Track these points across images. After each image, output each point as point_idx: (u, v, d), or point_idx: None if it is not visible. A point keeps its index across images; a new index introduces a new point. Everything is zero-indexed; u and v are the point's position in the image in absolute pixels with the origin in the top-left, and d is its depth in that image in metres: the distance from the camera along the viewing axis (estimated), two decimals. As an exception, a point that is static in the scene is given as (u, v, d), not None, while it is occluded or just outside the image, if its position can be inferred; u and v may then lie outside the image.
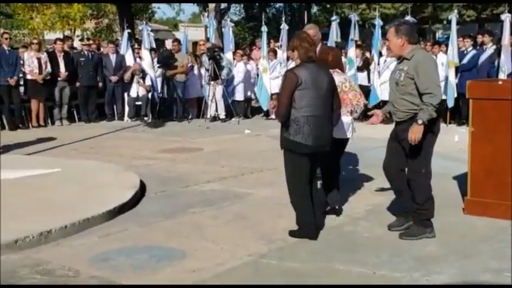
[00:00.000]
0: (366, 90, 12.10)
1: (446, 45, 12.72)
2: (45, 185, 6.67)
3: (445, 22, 26.50)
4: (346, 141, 5.89)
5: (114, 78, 13.59)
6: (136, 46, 15.10)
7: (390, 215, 5.70)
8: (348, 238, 5.17)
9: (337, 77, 5.53)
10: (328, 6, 27.90)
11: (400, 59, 5.11)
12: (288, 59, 13.68)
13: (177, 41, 15.10)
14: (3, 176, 6.87)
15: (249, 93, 14.69)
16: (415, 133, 4.82)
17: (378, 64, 13.07)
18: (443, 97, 10.07)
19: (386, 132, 5.50)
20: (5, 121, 12.23)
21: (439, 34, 30.74)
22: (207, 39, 17.40)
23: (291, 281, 4.19)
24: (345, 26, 15.78)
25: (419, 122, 4.80)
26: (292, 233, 5.18)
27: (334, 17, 14.39)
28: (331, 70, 5.40)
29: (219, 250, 4.84)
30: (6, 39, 12.38)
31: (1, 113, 12.36)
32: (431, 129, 4.92)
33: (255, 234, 5.26)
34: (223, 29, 17.35)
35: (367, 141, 9.08)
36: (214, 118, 13.75)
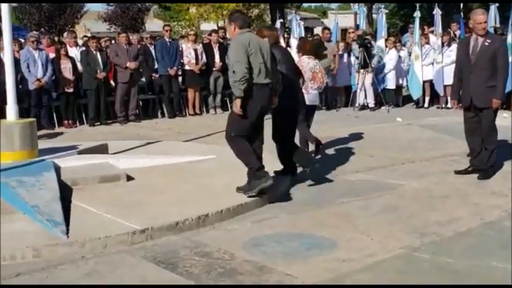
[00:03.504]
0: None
1: None
2: (201, 171, 7.03)
3: None
4: (315, 107, 8.09)
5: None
6: (286, 35, 15.32)
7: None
8: (508, 234, 4.91)
9: (312, 61, 7.74)
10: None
11: None
12: (443, 45, 13.18)
13: (327, 29, 15.10)
14: (164, 161, 7.35)
15: (400, 81, 14.34)
16: None
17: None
18: None
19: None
20: (164, 109, 13.03)
21: None
22: (357, 26, 17.21)
23: (443, 277, 4.08)
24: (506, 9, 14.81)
25: None
26: None
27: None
28: (307, 56, 7.77)
29: (369, 241, 4.83)
30: (167, 31, 13.17)
31: (161, 102, 13.18)
32: None
33: (406, 227, 5.17)
34: (374, 16, 17.05)
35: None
36: (363, 107, 13.60)
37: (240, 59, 5.71)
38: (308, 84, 7.65)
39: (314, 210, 5.75)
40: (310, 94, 7.72)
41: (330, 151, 8.73)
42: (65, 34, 14.57)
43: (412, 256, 4.49)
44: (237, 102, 5.75)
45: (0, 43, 10.08)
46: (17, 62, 9.55)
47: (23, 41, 12.92)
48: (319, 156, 7.76)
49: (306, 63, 7.66)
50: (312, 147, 7.89)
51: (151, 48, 13.18)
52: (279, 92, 6.27)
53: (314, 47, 8.43)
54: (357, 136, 10.01)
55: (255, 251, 4.66)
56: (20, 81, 10.69)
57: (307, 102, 7.56)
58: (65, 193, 5.84)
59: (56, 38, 17.29)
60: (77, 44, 13.26)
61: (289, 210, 5.75)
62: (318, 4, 48.16)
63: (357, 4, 19.26)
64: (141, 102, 13.06)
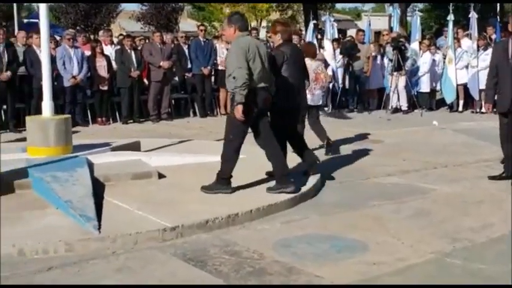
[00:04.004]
0: None
1: None
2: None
3: None
4: (319, 107, 8.66)
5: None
6: (318, 37, 15.26)
7: None
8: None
9: (314, 63, 8.23)
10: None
11: None
12: (478, 48, 12.98)
13: (361, 31, 15.02)
14: (195, 160, 7.38)
15: (434, 85, 14.17)
16: None
17: None
18: None
19: None
20: (196, 109, 13.10)
21: None
22: (391, 29, 17.07)
23: (475, 283, 4.02)
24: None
25: None
26: None
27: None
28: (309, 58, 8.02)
29: (400, 245, 4.78)
30: (201, 31, 13.29)
31: (193, 101, 13.26)
32: None
33: (437, 232, 5.11)
34: (408, 18, 16.89)
35: None
36: (396, 110, 13.48)
37: (241, 65, 5.71)
38: (312, 85, 7.93)
39: (345, 213, 5.71)
40: (314, 95, 8.17)
41: (362, 154, 8.67)
42: (101, 32, 14.76)
43: (443, 261, 4.43)
44: (239, 109, 5.74)
45: (37, 40, 10.27)
46: (53, 60, 9.70)
47: (58, 38, 13.15)
48: (330, 154, 8.35)
49: (309, 65, 7.77)
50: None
51: (185, 48, 13.27)
52: (273, 93, 6.27)
53: (316, 52, 9.38)
54: (390, 139, 9.93)
55: (284, 251, 4.65)
56: (56, 78, 10.86)
57: (311, 103, 8.06)
58: (98, 189, 5.93)
59: (92, 37, 17.48)
60: (112, 43, 13.44)
61: (320, 212, 5.72)
62: (352, 6, 47.91)
63: (391, 6, 19.09)
64: (173, 101, 13.17)
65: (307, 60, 7.81)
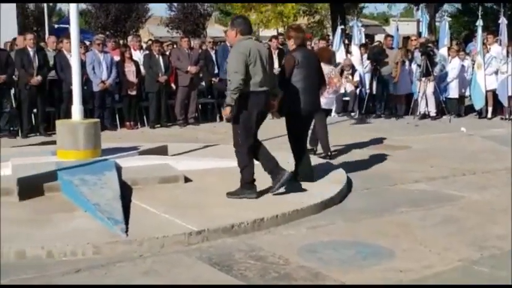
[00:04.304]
0: None
1: None
2: (257, 175, 7.01)
3: None
4: (330, 111, 9.07)
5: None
6: (346, 42, 15.24)
7: None
8: None
9: (327, 67, 8.26)
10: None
11: None
12: (508, 54, 12.80)
13: (390, 36, 14.95)
14: (221, 164, 7.40)
15: (463, 90, 14.01)
16: None
17: None
18: None
19: None
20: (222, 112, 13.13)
21: None
22: (419, 34, 16.94)
23: (504, 292, 3.97)
24: None
25: None
26: None
27: None
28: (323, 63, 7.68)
29: (427, 252, 4.73)
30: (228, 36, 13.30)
31: (220, 106, 13.29)
32: None
33: (465, 239, 5.04)
34: (437, 23, 16.75)
35: None
36: (424, 115, 13.35)
37: (238, 70, 5.81)
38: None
39: (372, 219, 5.68)
40: (326, 98, 8.23)
41: (389, 159, 8.61)
42: (130, 37, 14.94)
43: (471, 269, 4.38)
44: (227, 109, 5.98)
45: (68, 45, 10.42)
46: (82, 64, 9.86)
47: (88, 43, 13.33)
48: (327, 158, 8.34)
49: (322, 69, 7.71)
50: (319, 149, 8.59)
51: (212, 53, 13.33)
52: (277, 96, 6.40)
53: (331, 56, 9.79)
54: (417, 145, 9.85)
55: (310, 257, 4.64)
56: (85, 82, 11.01)
57: (325, 106, 8.11)
58: (125, 192, 5.99)
59: (121, 42, 17.70)
60: (141, 48, 13.58)
61: (346, 218, 5.70)
62: (380, 11, 47.58)
63: (420, 11, 18.94)
64: (200, 106, 13.24)
65: (321, 65, 7.79)
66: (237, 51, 5.94)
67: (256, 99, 5.97)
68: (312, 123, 7.69)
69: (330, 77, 8.28)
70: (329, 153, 8.52)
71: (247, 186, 6.04)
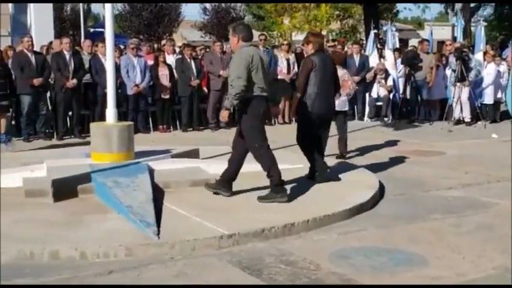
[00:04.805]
0: None
1: None
2: (288, 179, 7.02)
3: None
4: (345, 112, 8.95)
5: (356, 79, 13.75)
6: (379, 46, 15.12)
7: None
8: None
9: (341, 70, 8.28)
10: None
11: None
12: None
13: (426, 40, 14.79)
14: (251, 168, 7.40)
15: (498, 96, 13.78)
16: None
17: None
18: None
19: None
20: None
21: None
22: (454, 39, 16.73)
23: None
24: None
25: None
26: None
27: None
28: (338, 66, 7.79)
29: (460, 260, 4.66)
30: (261, 40, 13.38)
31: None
32: None
33: (499, 247, 4.95)
34: (472, 28, 16.53)
35: None
36: (459, 121, 13.15)
37: (241, 75, 5.87)
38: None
39: (405, 225, 5.62)
40: (338, 100, 8.19)
41: (423, 165, 8.51)
42: (163, 42, 15.07)
43: (505, 277, 4.30)
44: (225, 113, 6.37)
45: (103, 49, 10.57)
46: (117, 68, 9.97)
47: (122, 47, 13.49)
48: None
49: (338, 74, 7.89)
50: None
51: (244, 57, 13.35)
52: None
53: (343, 60, 10.12)
54: (451, 151, 9.71)
55: (341, 263, 4.61)
56: (120, 86, 11.13)
57: (337, 108, 8.05)
58: (158, 195, 6.04)
59: (155, 46, 17.89)
60: (174, 52, 13.68)
61: (378, 224, 5.65)
62: (414, 16, 47.14)
63: (455, 16, 18.72)
64: (232, 110, 13.24)
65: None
66: (240, 57, 6.01)
67: (259, 102, 6.06)
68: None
69: (343, 79, 8.36)
70: (343, 154, 8.80)
71: (278, 190, 6.04)
